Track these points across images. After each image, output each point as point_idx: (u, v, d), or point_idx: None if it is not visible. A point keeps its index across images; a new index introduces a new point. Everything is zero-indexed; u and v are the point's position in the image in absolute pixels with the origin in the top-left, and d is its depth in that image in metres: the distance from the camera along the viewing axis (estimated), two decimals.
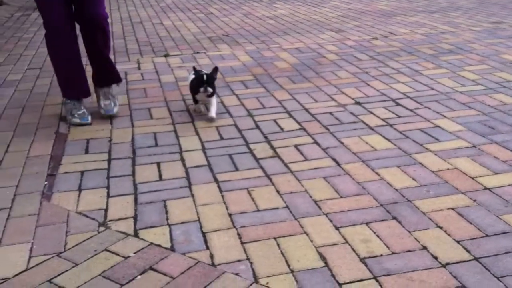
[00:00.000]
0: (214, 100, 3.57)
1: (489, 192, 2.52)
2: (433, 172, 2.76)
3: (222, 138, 3.31)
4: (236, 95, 4.07)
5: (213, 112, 3.54)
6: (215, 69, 3.59)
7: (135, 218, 2.44)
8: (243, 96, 4.05)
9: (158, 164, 2.98)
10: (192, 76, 3.61)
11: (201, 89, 3.45)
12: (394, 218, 2.35)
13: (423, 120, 3.44)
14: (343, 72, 4.57)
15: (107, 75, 3.75)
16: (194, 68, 3.70)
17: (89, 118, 3.58)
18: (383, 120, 3.47)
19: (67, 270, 2.07)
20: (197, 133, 3.39)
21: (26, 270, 2.09)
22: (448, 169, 2.78)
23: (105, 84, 3.74)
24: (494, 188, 2.56)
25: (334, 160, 2.95)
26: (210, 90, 3.46)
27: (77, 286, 1.98)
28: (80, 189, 2.72)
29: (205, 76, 3.47)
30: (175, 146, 3.22)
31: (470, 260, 2.04)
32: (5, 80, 4.67)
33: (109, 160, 3.04)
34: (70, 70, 3.61)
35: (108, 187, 2.73)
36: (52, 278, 2.03)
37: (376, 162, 2.89)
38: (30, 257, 2.16)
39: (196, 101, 3.65)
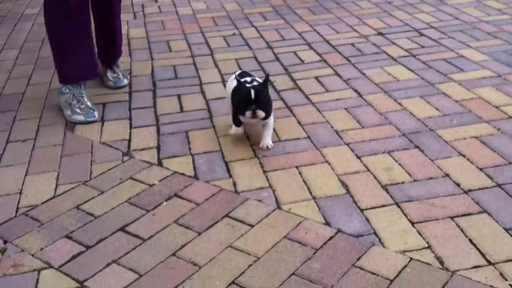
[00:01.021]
0: (270, 122, 2.40)
1: None
2: (456, 101, 2.72)
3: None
4: (255, 27, 4.00)
5: (267, 139, 2.38)
6: (267, 79, 2.37)
7: (158, 148, 2.46)
8: (262, 28, 3.98)
9: (179, 96, 2.98)
10: (234, 83, 2.41)
11: (247, 113, 2.26)
12: (417, 147, 2.34)
13: (447, 50, 3.36)
14: (365, 2, 4.45)
15: (117, 49, 3.19)
16: (239, 74, 2.52)
17: (96, 114, 2.76)
18: (406, 50, 3.41)
19: (93, 197, 2.12)
20: (216, 66, 3.36)
21: (53, 197, 2.14)
22: (472, 98, 2.74)
23: (115, 59, 3.17)
24: None
25: (356, 91, 2.92)
26: (261, 114, 2.27)
27: (104, 212, 2.02)
28: (103, 121, 2.75)
29: (252, 92, 2.26)
30: (195, 78, 3.20)
31: (492, 187, 2.03)
32: (23, 14, 4.65)
33: (129, 93, 3.05)
34: (80, 43, 2.75)
35: (130, 119, 2.75)
36: (80, 205, 2.07)
37: (399, 93, 2.86)
38: (57, 185, 2.21)
39: (238, 122, 2.43)
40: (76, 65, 2.76)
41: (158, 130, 2.62)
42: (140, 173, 2.26)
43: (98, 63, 2.98)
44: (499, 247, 1.73)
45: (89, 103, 2.78)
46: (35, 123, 2.75)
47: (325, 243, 1.80)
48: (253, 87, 2.31)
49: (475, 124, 2.49)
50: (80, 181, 2.23)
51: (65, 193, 2.15)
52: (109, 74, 3.12)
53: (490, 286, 1.58)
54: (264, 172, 2.23)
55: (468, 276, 1.62)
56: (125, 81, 3.14)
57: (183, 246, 1.83)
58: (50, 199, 2.13)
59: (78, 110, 2.73)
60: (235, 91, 2.39)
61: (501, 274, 1.62)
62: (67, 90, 2.78)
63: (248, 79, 2.45)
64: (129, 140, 2.54)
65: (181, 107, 2.85)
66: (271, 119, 2.39)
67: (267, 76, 2.38)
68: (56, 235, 1.91)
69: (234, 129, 2.47)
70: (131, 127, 2.67)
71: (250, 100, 2.25)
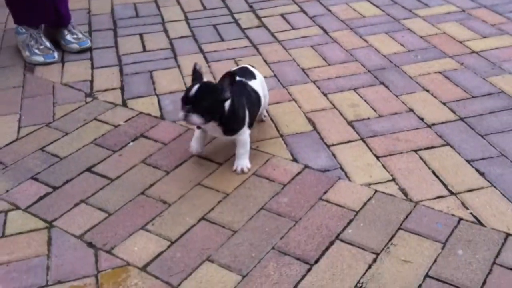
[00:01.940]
0: (241, 138, 1.84)
1: (476, 56, 2.52)
2: (421, 37, 2.73)
3: (205, 8, 3.21)
4: None
5: (239, 160, 1.87)
6: (226, 77, 1.72)
7: (122, 88, 2.41)
8: None
9: (141, 35, 2.91)
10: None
11: (180, 114, 1.70)
12: (382, 83, 2.36)
13: None
14: None
15: (67, 3, 2.81)
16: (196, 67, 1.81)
17: (56, 54, 2.65)
18: None
19: (58, 139, 2.08)
20: (179, 3, 3.28)
21: (16, 139, 2.09)
22: (436, 34, 2.75)
23: (69, 17, 2.80)
24: (481, 52, 2.55)
25: (322, 28, 2.90)
26: (195, 120, 1.69)
27: (69, 153, 2.00)
28: (63, 61, 2.67)
29: (193, 90, 1.69)
30: (156, 17, 3.12)
31: (455, 120, 2.08)
32: None
33: (89, 32, 2.95)
34: None
35: (91, 59, 2.68)
36: (44, 147, 2.04)
37: (364, 29, 2.85)
38: (19, 128, 2.16)
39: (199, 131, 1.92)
40: (29, 7, 2.62)
41: (121, 71, 2.56)
42: (105, 114, 2.22)
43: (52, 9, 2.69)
44: (461, 178, 1.78)
45: (48, 44, 2.68)
46: None
47: (292, 179, 1.83)
48: (201, 83, 1.72)
49: (439, 59, 2.51)
50: (43, 123, 2.18)
51: (28, 135, 2.11)
52: (69, 37, 2.75)
53: (452, 215, 1.64)
54: None
55: (431, 206, 1.67)
56: (89, 42, 2.79)
57: (151, 185, 1.83)
58: (13, 141, 2.08)
59: (36, 51, 2.64)
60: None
61: (462, 203, 1.68)
62: (23, 30, 2.67)
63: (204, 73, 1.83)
64: (92, 81, 2.48)
65: (143, 47, 2.79)
66: (242, 135, 1.83)
67: (228, 74, 1.72)
68: (22, 177, 1.88)
69: (192, 145, 1.92)
70: (92, 67, 2.60)
71: (188, 97, 1.68)
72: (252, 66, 2.06)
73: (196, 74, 1.78)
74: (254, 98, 1.88)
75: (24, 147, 2.04)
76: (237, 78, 1.83)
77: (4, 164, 1.95)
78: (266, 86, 2.06)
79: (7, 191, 1.82)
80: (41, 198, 1.79)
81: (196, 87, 1.69)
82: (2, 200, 1.78)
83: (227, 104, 1.74)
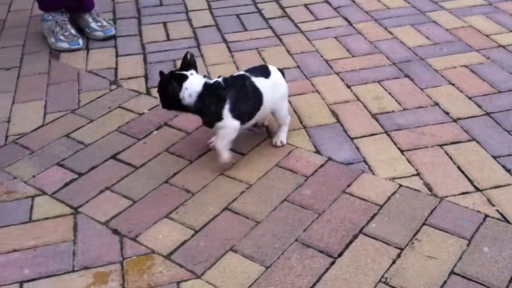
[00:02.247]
0: (220, 131, 1.80)
1: (503, 50, 2.49)
2: (447, 30, 2.70)
3: None
4: None
5: (219, 154, 1.83)
6: (186, 58, 1.84)
7: (145, 77, 2.43)
8: None
9: (165, 24, 2.91)
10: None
11: None
12: (407, 76, 2.34)
13: None
14: None
15: None
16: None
17: (81, 41, 2.68)
18: None
19: (83, 126, 2.10)
20: None
21: (42, 125, 2.12)
22: (462, 27, 2.72)
23: (93, 4, 2.83)
24: (508, 46, 2.52)
25: (346, 19, 2.88)
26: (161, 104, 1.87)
27: (94, 140, 2.01)
28: (87, 49, 2.69)
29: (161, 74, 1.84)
30: (180, 5, 3.12)
31: (481, 115, 2.06)
32: None
33: (114, 20, 2.97)
34: None
35: (116, 47, 2.69)
36: (70, 133, 2.06)
37: (389, 21, 2.82)
38: (45, 114, 2.18)
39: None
40: None
41: (145, 59, 2.57)
42: (129, 102, 2.24)
43: None
44: (487, 174, 1.77)
45: (73, 31, 2.70)
46: (18, 51, 2.68)
47: (315, 171, 1.83)
48: (164, 75, 1.83)
49: (465, 52, 2.48)
50: (69, 109, 2.20)
51: (54, 122, 2.13)
52: (93, 25, 2.76)
53: (478, 211, 1.63)
54: None
55: (456, 202, 1.66)
56: (114, 30, 2.79)
57: (175, 174, 1.84)
58: (39, 127, 2.11)
59: (62, 38, 2.66)
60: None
61: (488, 200, 1.66)
62: (50, 17, 2.70)
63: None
64: (116, 69, 2.50)
65: (167, 35, 2.79)
66: (221, 128, 1.79)
67: (188, 55, 1.83)
68: (48, 162, 1.91)
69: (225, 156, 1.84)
70: (117, 55, 2.62)
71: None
72: (281, 71, 1.96)
73: (188, 62, 1.82)
74: (249, 93, 1.82)
75: (50, 133, 2.06)
76: (241, 72, 1.89)
77: (30, 149, 1.98)
78: (282, 91, 1.92)
79: (33, 176, 1.85)
80: (67, 184, 1.81)
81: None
82: (29, 186, 1.81)
83: (191, 96, 1.76)
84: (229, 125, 1.79)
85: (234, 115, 1.78)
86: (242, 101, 1.80)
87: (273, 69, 1.93)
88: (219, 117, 1.78)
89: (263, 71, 1.90)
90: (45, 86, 2.37)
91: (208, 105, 1.77)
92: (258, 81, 1.85)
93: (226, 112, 1.78)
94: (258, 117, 1.89)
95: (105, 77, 2.42)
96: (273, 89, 1.88)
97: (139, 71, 2.47)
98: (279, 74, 1.94)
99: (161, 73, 1.84)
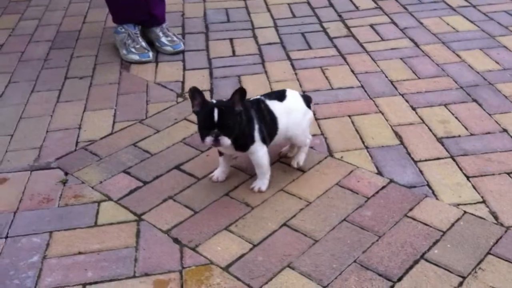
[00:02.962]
0: (256, 156, 1.81)
1: None
2: None
3: (294, 16, 3.24)
4: None
5: (257, 181, 1.86)
6: (237, 93, 1.69)
7: (211, 91, 2.48)
8: None
9: (231, 40, 2.97)
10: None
11: (207, 140, 1.67)
12: (474, 100, 2.29)
13: (508, 2, 3.22)
14: None
15: (164, 6, 2.94)
16: (194, 91, 1.72)
17: (151, 54, 2.76)
18: (466, 0, 3.28)
19: (149, 136, 2.16)
20: (269, 10, 3.32)
21: (111, 133, 2.19)
22: None
23: (164, 19, 2.92)
24: None
25: (412, 40, 2.85)
26: (225, 141, 1.67)
27: (160, 150, 2.07)
28: (157, 61, 2.77)
29: (215, 114, 1.65)
30: (247, 22, 3.18)
31: None
32: None
33: (182, 34, 3.05)
34: None
35: (183, 61, 2.77)
36: (137, 142, 2.13)
37: (458, 44, 2.77)
38: (114, 122, 2.27)
39: (220, 153, 1.88)
40: (125, 5, 2.77)
41: (211, 73, 2.63)
42: (194, 115, 2.28)
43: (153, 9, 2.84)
44: None
45: (143, 44, 2.80)
46: (91, 60, 2.80)
47: (377, 192, 1.81)
48: (218, 104, 1.69)
49: None
50: (137, 119, 2.28)
51: (122, 130, 2.21)
52: (163, 39, 2.84)
53: None
54: (316, 119, 2.23)
55: None
56: (182, 44, 2.86)
57: (236, 187, 1.87)
58: (108, 135, 2.19)
59: (133, 50, 2.76)
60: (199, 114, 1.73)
61: None
62: (123, 30, 2.81)
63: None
64: (183, 82, 2.56)
65: (233, 51, 2.85)
66: (255, 153, 1.79)
67: (239, 90, 1.69)
68: (115, 169, 1.98)
69: (216, 173, 1.91)
70: (184, 69, 2.69)
71: (213, 121, 1.65)
72: (307, 97, 1.91)
73: (199, 96, 1.71)
74: (265, 116, 1.80)
75: (118, 141, 2.14)
76: (257, 96, 1.86)
77: (99, 156, 2.06)
78: (299, 116, 1.85)
79: (100, 182, 1.92)
80: (132, 191, 1.87)
81: (215, 110, 1.65)
82: (95, 191, 1.87)
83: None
84: (260, 148, 1.78)
85: (260, 138, 1.77)
86: (261, 124, 1.78)
87: (291, 93, 1.88)
88: (253, 138, 1.76)
89: (279, 95, 1.86)
90: (115, 96, 2.46)
91: (244, 125, 1.73)
92: (272, 105, 1.82)
93: (256, 134, 1.76)
94: (278, 140, 1.86)
95: (172, 90, 2.49)
96: (287, 112, 1.83)
97: (205, 85, 2.53)
98: (298, 99, 1.87)
99: (219, 103, 1.72)
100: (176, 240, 1.65)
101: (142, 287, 1.50)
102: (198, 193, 1.85)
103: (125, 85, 2.55)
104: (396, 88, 2.42)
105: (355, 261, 1.55)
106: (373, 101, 2.34)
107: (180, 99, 2.41)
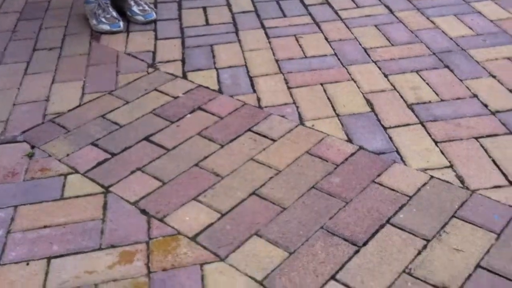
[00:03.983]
0: None
1: None
2: (491, 21, 2.61)
3: None
4: None
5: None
6: None
7: (183, 60, 2.45)
8: None
9: (204, 8, 2.93)
10: None
11: None
12: (447, 66, 2.28)
13: None
14: None
15: None
16: None
17: (122, 24, 2.74)
18: None
19: (119, 107, 2.13)
20: None
21: (80, 105, 2.16)
22: (507, 18, 2.63)
23: None
24: None
25: (387, 7, 2.82)
26: None
27: (129, 122, 2.05)
28: (128, 31, 2.73)
29: None
30: None
31: None
32: None
33: (154, 4, 3.00)
34: None
35: (155, 30, 2.72)
36: (105, 114, 2.10)
37: (432, 10, 2.75)
38: (83, 94, 2.23)
39: None
40: None
41: (183, 43, 2.59)
42: (165, 85, 2.26)
43: None
44: None
45: (114, 13, 2.75)
46: (61, 31, 2.74)
47: (346, 159, 1.81)
48: None
49: (509, 44, 2.40)
50: (106, 90, 2.24)
51: (91, 102, 2.18)
52: (134, 9, 2.80)
53: (510, 206, 1.58)
54: (289, 88, 2.21)
55: (488, 195, 1.62)
56: (154, 14, 2.83)
57: (205, 157, 1.85)
58: (77, 107, 2.16)
59: (103, 20, 2.71)
60: None
61: None
62: (92, 0, 2.74)
63: None
64: (154, 52, 2.52)
65: (206, 20, 2.80)
66: None
67: None
68: (82, 142, 1.95)
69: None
70: (156, 38, 2.65)
71: None
72: None
73: None
74: None
75: (86, 113, 2.11)
76: None
77: (66, 128, 2.03)
78: None
79: (67, 155, 1.89)
80: (99, 163, 1.85)
81: None
82: (62, 164, 1.85)
83: None
84: None
85: None
86: None
87: None
88: None
89: None
90: (85, 67, 2.42)
91: None
92: None
93: None
94: None
95: (143, 60, 2.45)
96: None
97: (177, 54, 2.49)
98: None
99: None
100: (143, 212, 1.65)
101: (108, 259, 1.49)
102: (167, 164, 1.83)
103: (95, 56, 2.51)
104: (369, 56, 2.41)
105: (321, 227, 1.55)
106: (346, 69, 2.32)
107: (151, 69, 2.38)
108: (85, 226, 1.60)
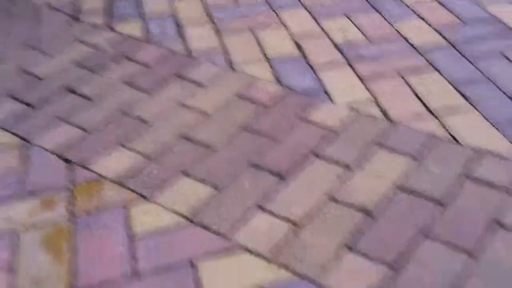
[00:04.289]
0: None
1: None
2: None
3: None
4: None
5: None
6: None
7: (108, 10, 2.36)
8: None
9: None
10: None
11: None
12: (377, 10, 2.29)
13: None
14: None
15: None
16: None
17: None
18: None
19: (39, 59, 2.04)
20: None
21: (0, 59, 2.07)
22: None
23: None
24: None
25: None
26: None
27: (51, 73, 1.97)
28: None
29: None
30: None
31: (446, 47, 2.02)
32: None
33: None
34: None
35: None
36: (26, 67, 2.01)
37: None
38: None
39: None
40: None
41: None
42: (89, 36, 2.18)
43: None
44: (445, 101, 1.75)
45: None
46: None
47: (275, 100, 1.80)
48: None
49: None
50: (28, 45, 2.14)
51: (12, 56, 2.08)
52: None
53: (430, 134, 1.61)
54: (218, 34, 2.17)
55: (410, 126, 1.65)
56: None
57: (132, 105, 1.81)
58: None
59: None
60: None
61: (442, 124, 1.65)
62: None
63: None
64: (78, 2, 2.42)
65: None
66: None
67: None
68: (1, 94, 1.86)
69: None
70: None
71: None
72: None
73: None
74: None
75: (4, 67, 2.01)
76: None
77: None
78: None
79: None
80: (19, 115, 1.77)
81: None
82: None
83: None
84: None
85: None
86: None
87: None
88: None
89: None
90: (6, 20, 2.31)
91: None
92: None
93: None
94: None
95: (66, 12, 2.35)
96: None
97: (102, 4, 2.40)
98: None
99: None
100: (66, 160, 1.59)
101: (28, 206, 1.44)
102: (91, 113, 1.77)
103: (16, 12, 2.39)
104: (299, 1, 2.39)
105: (250, 165, 1.54)
106: (276, 13, 2.30)
107: (74, 21, 2.28)
108: (6, 177, 1.54)
